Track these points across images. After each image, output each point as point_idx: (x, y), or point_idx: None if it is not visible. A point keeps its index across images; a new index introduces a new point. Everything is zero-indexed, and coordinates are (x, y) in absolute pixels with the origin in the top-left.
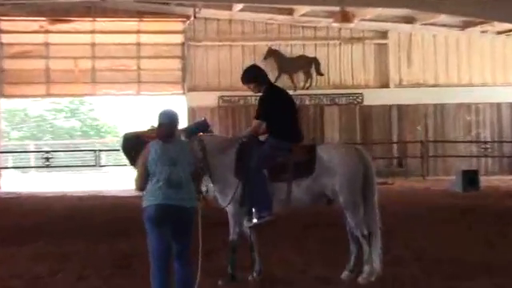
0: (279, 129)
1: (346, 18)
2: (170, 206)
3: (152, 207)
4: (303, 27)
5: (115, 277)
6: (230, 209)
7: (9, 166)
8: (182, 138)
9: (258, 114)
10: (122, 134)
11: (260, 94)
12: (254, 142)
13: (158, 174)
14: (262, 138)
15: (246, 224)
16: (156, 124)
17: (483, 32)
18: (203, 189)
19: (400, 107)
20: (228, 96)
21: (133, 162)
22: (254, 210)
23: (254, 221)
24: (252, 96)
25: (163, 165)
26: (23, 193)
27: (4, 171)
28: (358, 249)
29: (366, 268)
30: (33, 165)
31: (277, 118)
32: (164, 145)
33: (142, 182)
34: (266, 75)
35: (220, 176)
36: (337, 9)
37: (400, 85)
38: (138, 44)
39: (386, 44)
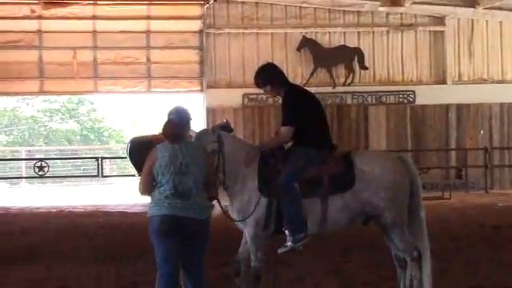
0: (309, 136)
1: (395, 0)
2: (176, 218)
3: (156, 218)
4: (344, 12)
5: None
6: (249, 232)
7: None
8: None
9: (286, 119)
10: (128, 138)
11: (278, 96)
12: (279, 152)
13: (164, 183)
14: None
15: (279, 250)
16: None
17: None
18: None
19: (459, 107)
20: (254, 94)
21: (141, 171)
22: (287, 232)
23: (289, 244)
24: None
25: (171, 173)
26: (13, 208)
27: None
28: (405, 275)
29: None
30: (24, 175)
31: (305, 124)
32: (173, 149)
33: (147, 189)
34: (284, 74)
35: (237, 188)
36: None
37: (459, 81)
38: (148, 32)
39: (442, 32)
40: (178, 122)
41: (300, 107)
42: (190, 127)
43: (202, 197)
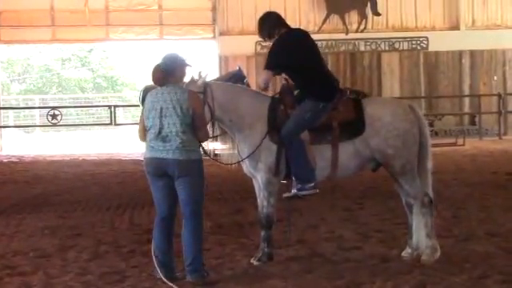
0: (319, 87)
1: None
2: (157, 159)
3: (145, 160)
4: None
5: (135, 254)
6: (262, 177)
7: (10, 124)
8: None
9: (265, 62)
10: (141, 86)
11: None
12: (289, 98)
13: (150, 127)
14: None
15: (284, 195)
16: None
17: None
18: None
19: (473, 53)
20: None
21: None
22: (294, 178)
23: (294, 191)
24: None
25: (153, 117)
26: (26, 156)
27: (4, 130)
28: (415, 221)
29: (429, 243)
30: (38, 123)
31: (305, 71)
32: (156, 94)
33: (142, 134)
34: (284, 22)
35: (245, 134)
36: None
37: (473, 26)
38: None
39: None
40: (163, 68)
41: (284, 51)
42: (180, 73)
43: (184, 139)
